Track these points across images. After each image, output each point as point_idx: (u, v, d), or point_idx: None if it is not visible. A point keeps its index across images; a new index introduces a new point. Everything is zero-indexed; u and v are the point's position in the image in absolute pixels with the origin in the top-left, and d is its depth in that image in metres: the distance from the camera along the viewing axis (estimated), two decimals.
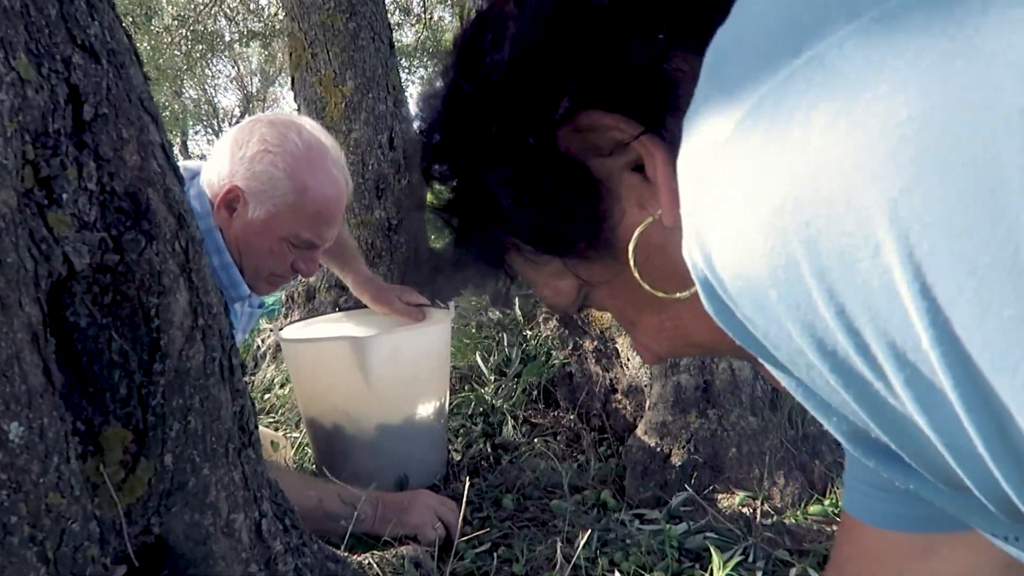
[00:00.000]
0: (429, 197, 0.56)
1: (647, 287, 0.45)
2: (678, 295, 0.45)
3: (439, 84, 0.51)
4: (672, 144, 0.40)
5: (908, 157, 0.26)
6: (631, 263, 0.45)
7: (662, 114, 0.41)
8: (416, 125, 0.54)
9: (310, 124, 1.40)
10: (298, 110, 2.74)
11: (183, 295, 0.79)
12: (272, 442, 1.67)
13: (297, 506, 1.08)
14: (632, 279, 0.46)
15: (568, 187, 0.45)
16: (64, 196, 0.70)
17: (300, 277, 2.76)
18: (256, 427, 0.91)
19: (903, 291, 0.26)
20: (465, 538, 1.19)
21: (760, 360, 0.38)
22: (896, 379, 0.29)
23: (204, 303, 0.82)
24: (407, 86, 2.94)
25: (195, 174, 1.38)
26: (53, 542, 0.65)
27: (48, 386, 0.67)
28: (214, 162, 1.36)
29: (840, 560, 0.68)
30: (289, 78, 2.82)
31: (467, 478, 1.59)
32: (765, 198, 0.30)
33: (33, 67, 0.67)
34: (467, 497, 1.23)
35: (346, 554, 1.02)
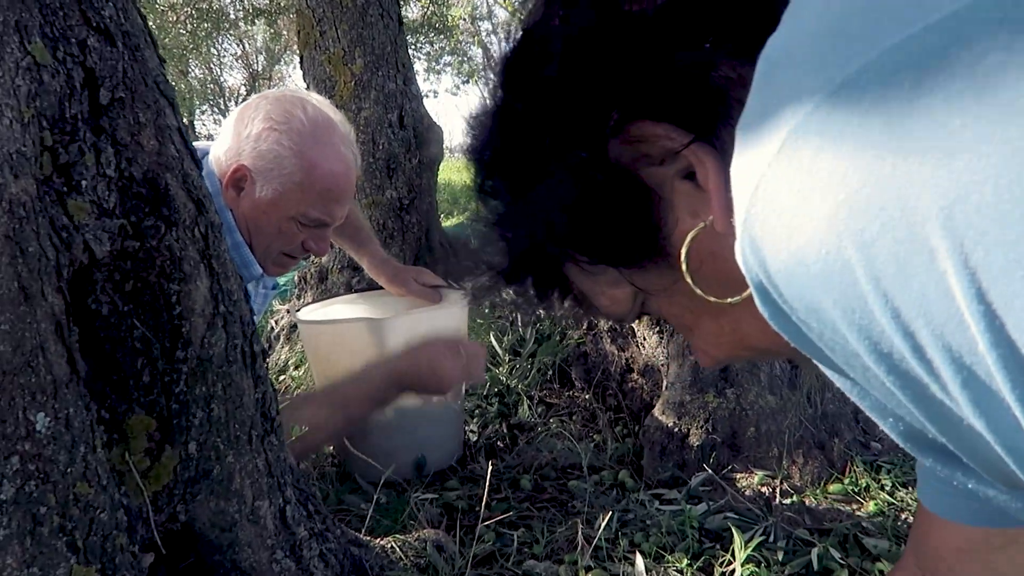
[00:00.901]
0: (476, 208, 0.56)
1: (700, 293, 0.46)
2: (730, 300, 0.45)
3: (488, 102, 0.51)
4: (723, 151, 0.41)
5: (962, 165, 0.26)
6: (684, 270, 0.45)
7: (711, 122, 0.41)
8: (467, 144, 0.54)
9: (317, 99, 1.37)
10: (307, 89, 2.71)
11: (204, 281, 0.78)
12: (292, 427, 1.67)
13: (331, 433, 1.27)
14: (687, 286, 0.46)
15: (621, 197, 0.45)
16: (83, 183, 0.69)
17: (312, 257, 2.76)
18: (278, 413, 0.90)
19: (958, 296, 0.27)
20: (486, 522, 1.19)
21: (816, 362, 0.38)
22: (952, 382, 0.29)
23: (225, 289, 0.81)
24: (413, 63, 2.91)
25: (204, 154, 1.36)
26: (82, 531, 0.65)
27: (73, 375, 0.66)
28: (221, 141, 1.33)
29: (925, 554, 0.66)
30: (296, 56, 2.79)
31: (485, 459, 1.59)
32: (819, 206, 0.30)
33: (48, 51, 0.66)
34: (487, 480, 1.23)
35: (368, 538, 1.02)
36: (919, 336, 0.29)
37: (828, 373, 0.39)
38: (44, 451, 0.62)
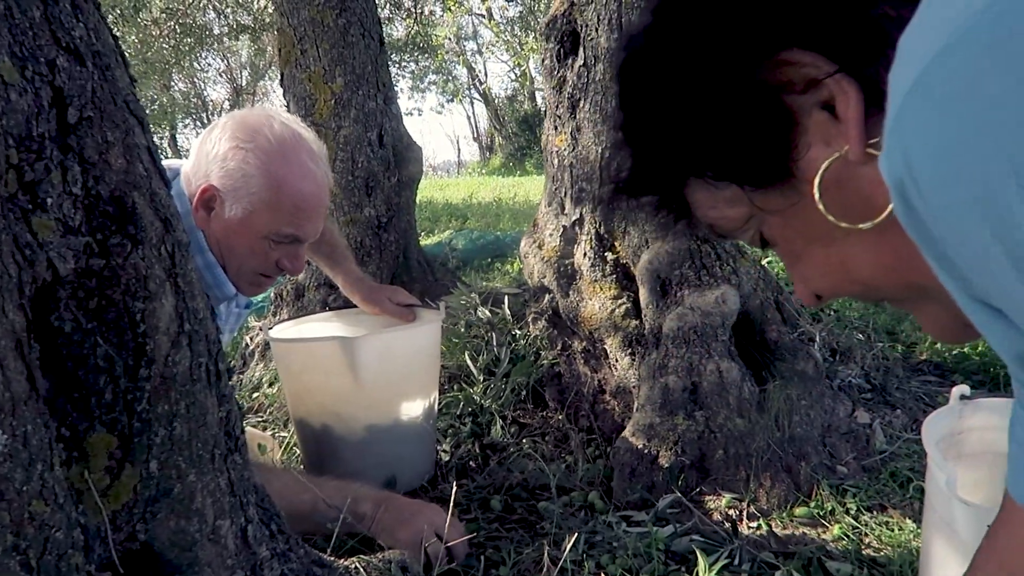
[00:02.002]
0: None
1: (831, 218, 0.48)
2: (861, 226, 0.47)
3: (639, 21, 0.54)
4: (869, 85, 0.43)
5: None
6: (816, 195, 0.48)
7: (862, 56, 0.44)
8: (614, 55, 0.57)
9: (285, 117, 1.35)
10: (287, 107, 2.72)
11: (169, 300, 0.78)
12: (260, 444, 1.66)
13: (290, 509, 1.09)
14: (806, 211, 0.49)
15: (762, 118, 0.48)
16: (49, 201, 0.69)
17: (286, 276, 2.76)
18: (242, 432, 0.90)
19: None
20: (451, 543, 1.19)
21: (934, 267, 0.39)
22: None
23: (190, 308, 0.81)
24: (397, 81, 2.92)
25: (176, 173, 1.35)
26: (36, 550, 0.64)
27: (32, 393, 0.66)
28: (192, 160, 1.33)
29: (1007, 559, 0.61)
30: (279, 73, 2.80)
31: (455, 479, 1.59)
32: (975, 102, 0.31)
33: (17, 70, 0.66)
34: (455, 499, 1.23)
35: (332, 558, 1.02)
36: None
37: (942, 276, 0.40)
38: (0, 469, 0.62)
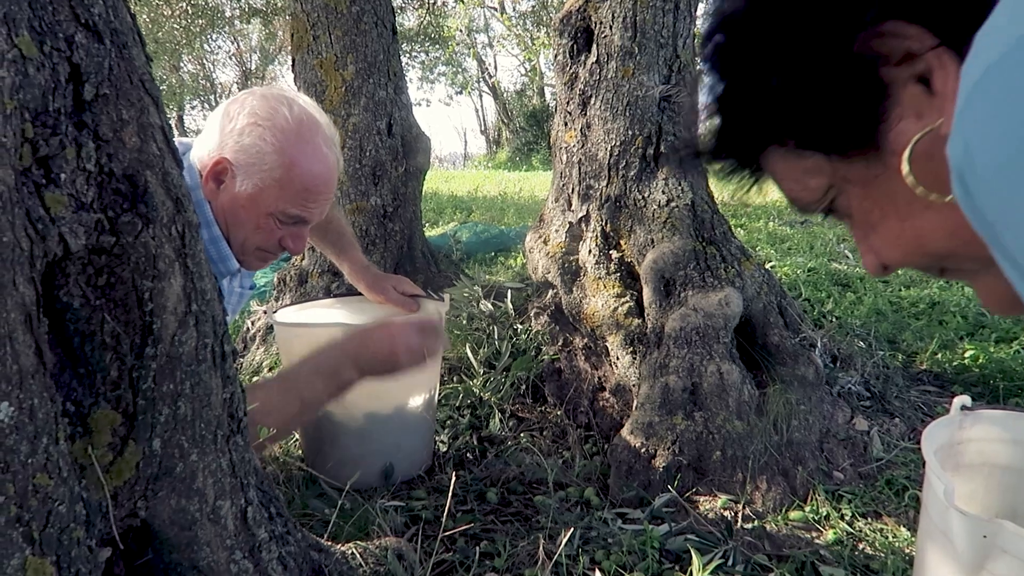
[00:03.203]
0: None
1: (920, 189, 0.48)
2: (948, 199, 0.47)
3: None
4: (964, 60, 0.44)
5: None
6: (905, 168, 0.48)
7: (964, 31, 0.44)
8: (708, 17, 0.57)
9: (304, 100, 1.37)
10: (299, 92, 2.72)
11: (177, 280, 0.79)
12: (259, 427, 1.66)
13: (283, 416, 1.20)
14: (887, 182, 0.50)
15: (857, 88, 0.48)
16: (62, 176, 0.70)
17: (292, 259, 2.76)
18: (245, 414, 0.90)
19: None
20: (448, 532, 1.19)
21: (992, 250, 0.41)
22: None
23: (198, 289, 0.81)
24: (406, 71, 2.92)
25: (187, 149, 1.36)
26: (39, 523, 0.65)
27: (40, 367, 0.67)
28: (205, 134, 1.33)
29: None
30: (289, 58, 2.80)
31: (453, 470, 1.60)
32: None
33: (35, 45, 0.66)
34: (452, 490, 1.23)
35: (330, 543, 1.03)
36: None
37: (998, 258, 0.41)
38: (5, 440, 0.62)
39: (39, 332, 0.67)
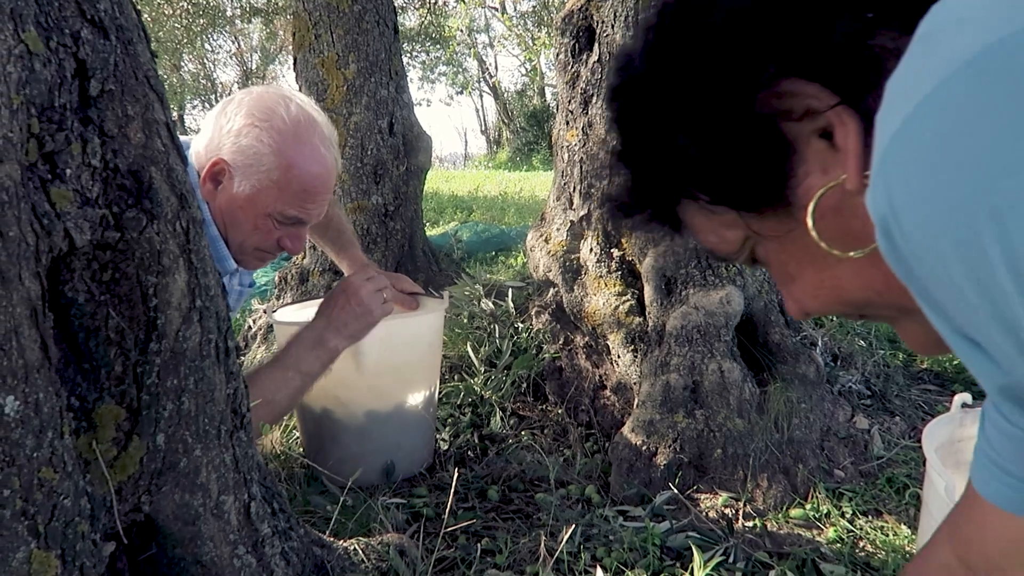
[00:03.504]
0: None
1: (824, 245, 0.49)
2: (852, 253, 0.48)
3: (635, 40, 0.54)
4: (866, 116, 0.44)
5: None
6: (809, 222, 0.48)
7: (861, 88, 0.44)
8: (610, 77, 0.57)
9: (301, 99, 1.37)
10: (299, 91, 2.72)
11: (182, 276, 0.79)
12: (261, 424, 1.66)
13: (288, 396, 1.33)
14: (801, 236, 0.50)
15: (760, 145, 0.49)
16: (67, 171, 0.70)
17: (293, 258, 2.76)
18: (248, 410, 0.91)
19: None
20: (450, 528, 1.20)
21: (918, 301, 0.41)
22: None
23: (202, 285, 0.82)
24: (408, 70, 2.92)
25: (186, 147, 1.36)
26: (44, 516, 0.65)
27: (45, 361, 0.67)
28: (203, 134, 1.33)
29: (970, 543, 0.62)
30: (290, 57, 2.80)
31: (454, 468, 1.60)
32: (957, 151, 0.33)
33: (42, 40, 0.67)
34: (455, 487, 1.24)
35: (332, 539, 1.03)
36: None
37: (925, 309, 0.41)
38: (11, 434, 0.62)
39: (44, 327, 0.68)
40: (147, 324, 0.77)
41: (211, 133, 1.31)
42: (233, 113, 1.29)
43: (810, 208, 0.48)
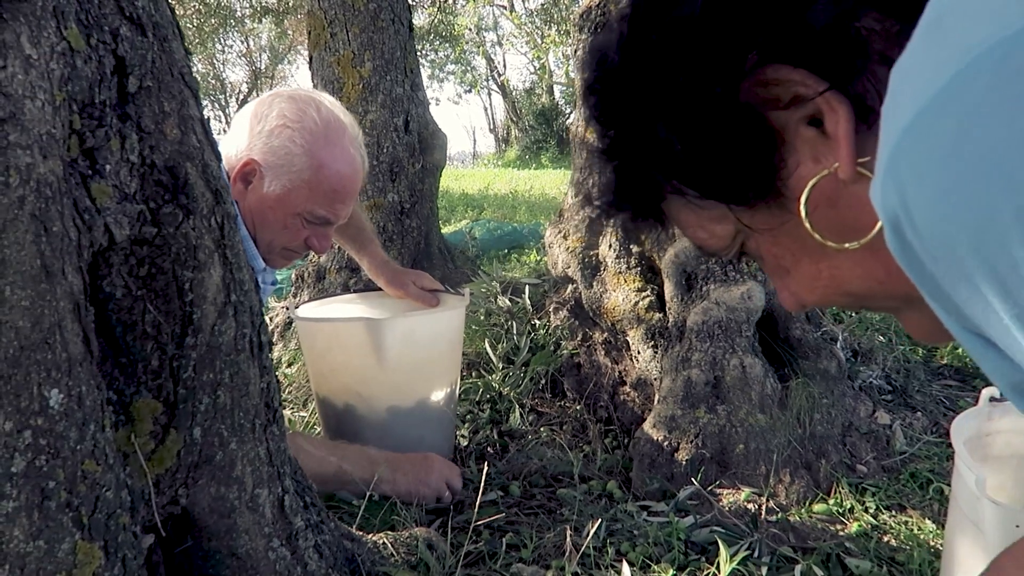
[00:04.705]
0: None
1: (817, 237, 0.47)
2: (847, 245, 0.46)
3: (609, 33, 0.52)
4: (856, 101, 0.42)
5: None
6: (802, 213, 0.47)
7: (848, 72, 0.43)
8: (584, 73, 0.55)
9: (329, 101, 1.40)
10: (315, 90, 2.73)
11: (217, 271, 0.79)
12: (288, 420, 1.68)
13: (316, 472, 1.22)
14: (795, 228, 0.48)
15: (747, 137, 0.47)
16: (107, 167, 0.71)
17: (311, 255, 2.77)
18: (281, 404, 0.91)
19: None
20: (479, 522, 1.20)
21: (927, 298, 0.39)
22: None
23: (237, 279, 0.82)
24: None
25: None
26: (88, 508, 0.66)
27: (87, 355, 0.68)
28: (232, 135, 1.36)
29: None
30: (299, 56, 2.82)
31: (476, 464, 1.61)
32: (976, 147, 0.31)
33: (83, 37, 0.67)
34: (480, 483, 1.24)
35: (361, 533, 1.03)
36: None
37: (934, 306, 0.39)
38: (56, 427, 0.63)
39: (87, 321, 0.68)
40: (183, 319, 0.77)
41: (242, 134, 1.33)
42: (264, 114, 1.31)
43: (803, 199, 0.47)
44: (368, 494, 1.20)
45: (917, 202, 0.34)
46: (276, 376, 0.92)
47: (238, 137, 1.34)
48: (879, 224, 0.42)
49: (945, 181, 0.32)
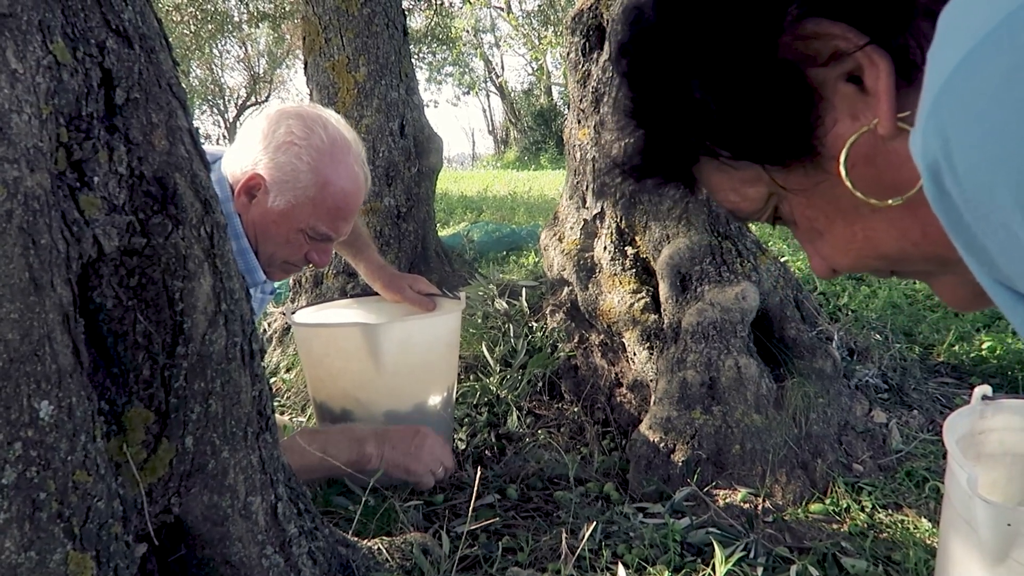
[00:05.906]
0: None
1: (860, 195, 0.46)
2: (890, 202, 0.45)
3: None
4: (897, 55, 0.41)
5: None
6: (842, 172, 0.46)
7: (892, 26, 0.42)
8: (619, 31, 0.53)
9: (335, 119, 1.42)
10: (310, 95, 2.74)
11: (207, 280, 0.80)
12: (283, 427, 1.68)
13: (301, 462, 1.23)
14: (830, 189, 0.47)
15: (785, 94, 0.46)
16: (95, 179, 0.71)
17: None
18: (273, 411, 0.92)
19: None
20: (475, 526, 1.20)
21: (961, 250, 0.38)
22: None
23: (227, 288, 0.83)
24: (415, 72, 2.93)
25: (217, 159, 1.39)
26: (79, 518, 0.66)
27: (77, 366, 0.68)
28: (238, 148, 1.37)
29: None
30: (298, 61, 2.82)
31: (473, 467, 1.61)
32: (1019, 103, 0.30)
33: (69, 51, 0.68)
34: (475, 486, 1.24)
35: (356, 539, 1.04)
36: None
37: (968, 258, 0.38)
38: (46, 438, 0.64)
39: (76, 332, 0.69)
40: (174, 328, 0.78)
41: (248, 149, 1.35)
42: (271, 130, 1.33)
43: (842, 157, 0.46)
44: (364, 499, 1.20)
45: (960, 145, 0.33)
46: (268, 383, 0.92)
47: (245, 151, 1.35)
48: (920, 182, 0.41)
49: (991, 122, 0.32)
